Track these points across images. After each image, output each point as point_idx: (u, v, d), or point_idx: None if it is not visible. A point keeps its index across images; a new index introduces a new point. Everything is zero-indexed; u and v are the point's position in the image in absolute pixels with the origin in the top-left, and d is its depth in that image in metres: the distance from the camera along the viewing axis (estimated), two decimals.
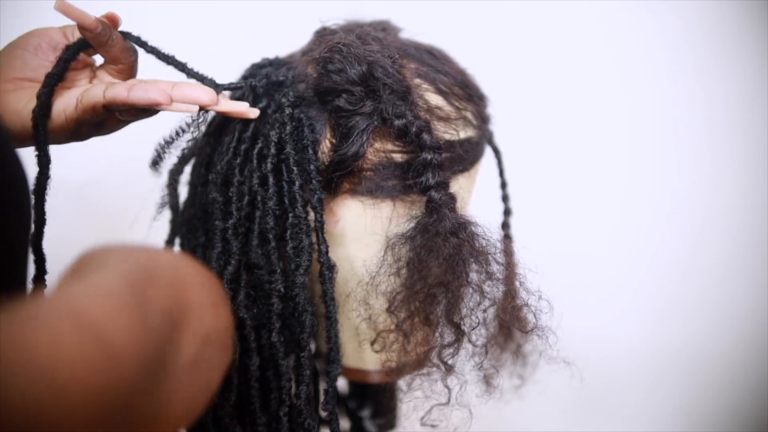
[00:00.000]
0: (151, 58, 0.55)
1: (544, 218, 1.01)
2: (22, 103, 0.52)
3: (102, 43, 0.52)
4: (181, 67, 0.55)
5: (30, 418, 0.26)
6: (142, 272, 0.35)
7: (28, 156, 0.57)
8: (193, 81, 0.55)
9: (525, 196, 0.80)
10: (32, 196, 0.51)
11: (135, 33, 0.55)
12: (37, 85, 0.52)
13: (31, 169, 0.50)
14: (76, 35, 0.53)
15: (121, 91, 0.51)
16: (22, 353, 0.27)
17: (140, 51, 0.55)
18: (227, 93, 0.56)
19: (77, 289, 0.32)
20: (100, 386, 0.28)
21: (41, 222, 0.52)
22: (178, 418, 0.38)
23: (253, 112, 0.54)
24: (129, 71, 0.56)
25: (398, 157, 0.54)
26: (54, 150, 0.53)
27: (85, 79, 0.56)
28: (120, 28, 0.54)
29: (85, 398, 0.28)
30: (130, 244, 0.39)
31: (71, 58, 0.53)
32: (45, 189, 0.53)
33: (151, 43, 0.55)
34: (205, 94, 0.52)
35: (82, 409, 0.28)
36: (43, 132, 0.52)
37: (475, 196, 0.64)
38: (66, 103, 0.52)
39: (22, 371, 0.27)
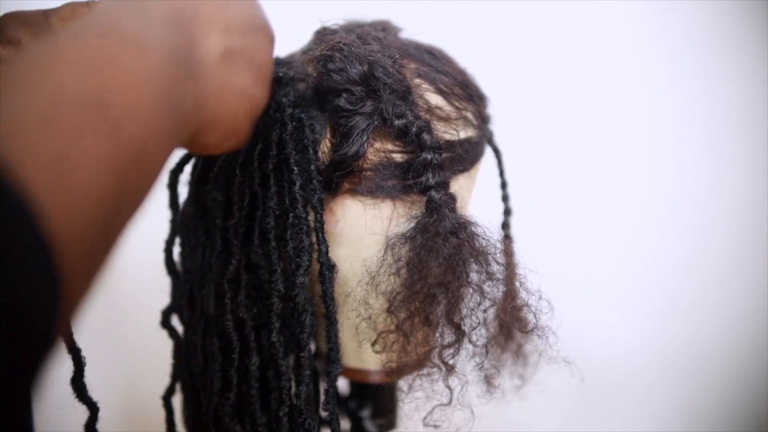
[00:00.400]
0: None
1: (544, 218, 1.01)
2: None
3: None
4: None
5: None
6: None
7: None
8: None
9: (525, 196, 0.80)
10: None
11: None
12: None
13: None
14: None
15: None
16: (64, 75, 0.27)
17: None
18: None
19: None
20: (141, 85, 0.30)
21: None
22: (238, 109, 0.41)
23: None
24: None
25: (398, 157, 0.54)
26: None
27: None
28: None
29: (129, 103, 0.29)
30: None
31: None
32: None
33: None
34: None
35: (129, 113, 0.29)
36: None
37: (475, 196, 0.64)
38: None
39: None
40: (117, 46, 0.30)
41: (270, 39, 0.46)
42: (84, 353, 0.48)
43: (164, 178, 0.63)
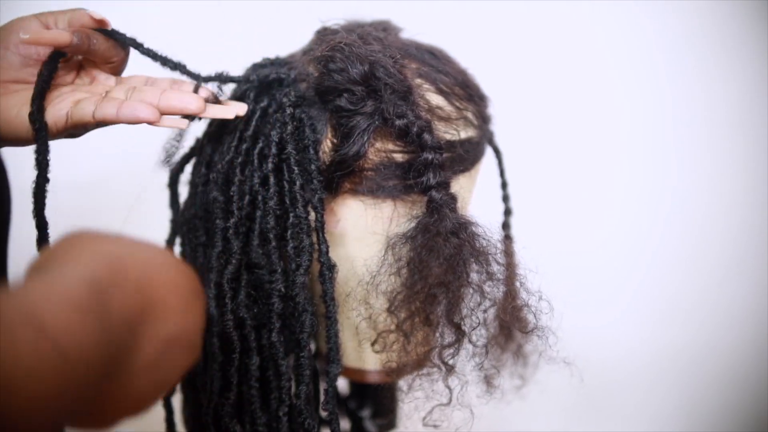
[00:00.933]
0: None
1: (544, 218, 1.01)
2: (15, 111, 0.50)
3: (84, 51, 0.51)
4: (173, 66, 0.54)
5: None
6: (108, 273, 0.35)
7: (23, 156, 0.57)
8: (185, 81, 0.55)
9: (525, 197, 0.80)
10: (33, 199, 0.51)
11: (134, 32, 0.54)
12: (26, 86, 0.51)
13: (27, 169, 0.50)
14: (60, 23, 0.51)
15: (110, 110, 0.50)
16: None
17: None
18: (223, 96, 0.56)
19: (39, 290, 0.32)
20: (54, 387, 0.30)
21: (42, 225, 0.52)
22: (128, 410, 0.39)
23: (241, 108, 0.54)
24: (119, 67, 0.55)
25: (399, 156, 0.54)
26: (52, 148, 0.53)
27: (73, 74, 0.55)
28: (120, 29, 0.54)
29: (38, 398, 0.29)
30: (105, 234, 0.39)
31: (49, 77, 0.51)
32: (45, 192, 0.51)
33: (152, 43, 0.55)
34: (193, 102, 0.52)
35: (33, 408, 0.29)
36: (44, 145, 0.50)
37: (476, 196, 0.64)
38: (56, 117, 0.51)
39: None
40: (43, 346, 0.30)
41: (192, 362, 0.42)
42: None
43: (165, 177, 0.63)
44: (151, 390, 0.39)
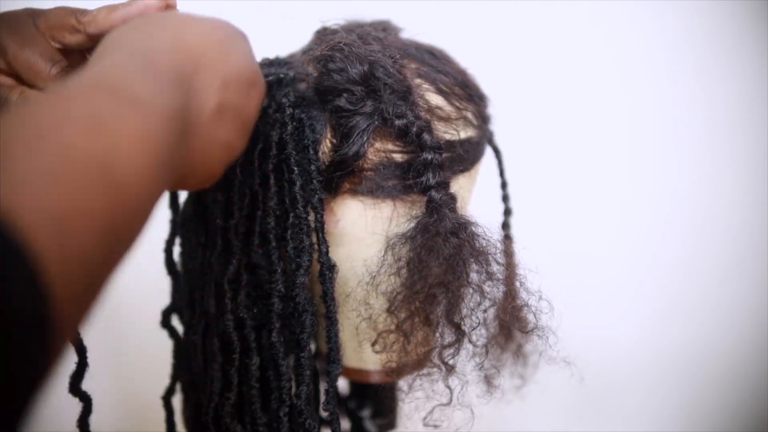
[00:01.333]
0: None
1: (544, 218, 1.01)
2: None
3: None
4: None
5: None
6: (145, 41, 0.38)
7: None
8: None
9: (525, 197, 0.80)
10: None
11: None
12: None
13: None
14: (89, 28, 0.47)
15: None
16: (67, 136, 0.28)
17: None
18: None
19: (91, 64, 0.34)
20: (144, 147, 0.31)
21: None
22: (219, 160, 0.42)
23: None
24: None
25: (399, 157, 0.54)
26: None
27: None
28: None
29: (131, 166, 0.30)
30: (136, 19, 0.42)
31: None
32: None
33: None
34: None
35: (129, 176, 0.29)
36: None
37: (476, 196, 0.64)
38: None
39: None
40: (123, 107, 0.31)
41: (261, 93, 0.47)
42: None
43: None
44: (235, 133, 0.43)
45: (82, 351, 0.48)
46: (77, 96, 0.30)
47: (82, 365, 0.48)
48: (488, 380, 0.60)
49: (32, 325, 0.24)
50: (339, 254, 0.57)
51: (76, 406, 0.49)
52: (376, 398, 0.72)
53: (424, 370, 0.56)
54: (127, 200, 0.29)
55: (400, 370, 0.57)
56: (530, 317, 0.55)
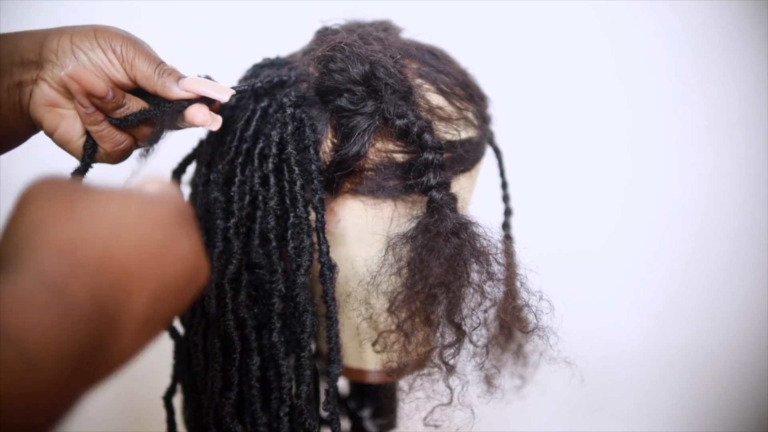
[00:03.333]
0: None
1: (544, 218, 1.01)
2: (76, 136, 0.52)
3: (109, 110, 0.51)
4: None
5: None
6: (59, 264, 0.33)
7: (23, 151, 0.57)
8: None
9: (526, 197, 0.80)
10: None
11: (135, 32, 0.54)
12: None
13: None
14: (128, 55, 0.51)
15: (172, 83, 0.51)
16: None
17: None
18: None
19: None
20: (24, 392, 0.29)
21: None
22: (138, 351, 0.38)
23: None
24: (120, 154, 0.55)
25: (399, 157, 0.54)
26: (50, 149, 0.54)
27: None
28: (120, 28, 0.53)
29: (10, 406, 0.28)
30: (57, 194, 0.36)
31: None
32: None
33: (152, 42, 0.55)
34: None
35: (7, 415, 0.28)
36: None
37: (476, 196, 0.64)
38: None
39: None
40: (9, 355, 0.29)
41: (201, 283, 0.41)
42: None
43: (165, 177, 0.63)
44: (160, 329, 0.39)
45: None
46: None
47: None
48: (489, 380, 0.60)
49: None
50: (340, 254, 0.57)
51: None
52: (377, 398, 0.72)
53: (425, 370, 0.56)
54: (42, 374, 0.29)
55: (400, 370, 0.57)
56: (531, 317, 0.55)
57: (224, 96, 0.52)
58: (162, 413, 0.65)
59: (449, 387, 0.55)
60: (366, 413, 0.73)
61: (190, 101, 0.52)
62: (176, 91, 0.51)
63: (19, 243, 0.34)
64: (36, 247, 0.34)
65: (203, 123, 0.53)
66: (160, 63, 0.52)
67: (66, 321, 0.32)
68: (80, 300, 0.33)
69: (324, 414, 0.57)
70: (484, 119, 0.61)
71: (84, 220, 0.36)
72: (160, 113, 0.51)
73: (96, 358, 0.34)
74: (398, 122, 0.52)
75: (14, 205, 0.36)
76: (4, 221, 0.35)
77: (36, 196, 0.36)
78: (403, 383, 0.58)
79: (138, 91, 0.53)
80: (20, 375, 0.29)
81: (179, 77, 0.52)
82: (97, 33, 0.51)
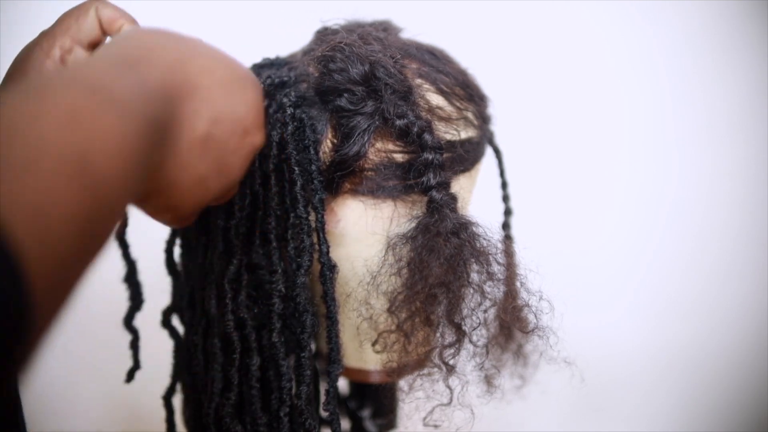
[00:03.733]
0: None
1: (545, 219, 1.01)
2: None
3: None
4: None
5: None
6: (141, 50, 0.38)
7: None
8: None
9: (526, 197, 0.80)
10: None
11: None
12: None
13: None
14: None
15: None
16: (45, 129, 0.28)
17: None
18: None
19: (75, 64, 0.36)
20: (118, 146, 0.31)
21: None
22: (189, 192, 0.41)
23: None
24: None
25: (399, 157, 0.54)
26: None
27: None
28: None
29: (106, 162, 0.30)
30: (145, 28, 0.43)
31: None
32: None
33: None
34: None
35: (105, 172, 0.30)
36: None
37: (476, 197, 0.64)
38: None
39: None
40: (103, 105, 0.31)
41: (254, 146, 0.46)
42: (84, 353, 0.48)
43: None
44: (208, 171, 0.42)
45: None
46: (55, 91, 0.30)
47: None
48: (489, 380, 0.60)
49: (14, 314, 0.24)
50: (340, 254, 0.57)
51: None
52: (377, 398, 0.72)
53: (425, 370, 0.56)
54: (102, 195, 0.30)
55: (400, 370, 0.57)
56: (531, 317, 0.55)
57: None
58: (161, 413, 0.65)
59: (449, 387, 0.55)
60: (366, 413, 0.73)
61: None
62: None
63: (104, 46, 0.39)
64: (119, 43, 0.39)
65: None
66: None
67: (135, 95, 0.34)
68: (151, 80, 0.36)
69: (324, 414, 0.57)
70: (484, 119, 0.61)
71: (168, 38, 0.41)
72: None
73: (154, 161, 0.36)
74: (398, 122, 0.52)
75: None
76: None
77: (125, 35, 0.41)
78: (403, 383, 0.58)
79: None
80: (119, 127, 0.31)
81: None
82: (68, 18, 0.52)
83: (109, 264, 0.40)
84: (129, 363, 0.64)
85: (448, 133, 0.56)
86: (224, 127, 0.42)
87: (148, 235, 0.61)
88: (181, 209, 0.43)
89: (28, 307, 0.25)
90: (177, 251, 0.63)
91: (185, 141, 0.39)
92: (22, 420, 0.46)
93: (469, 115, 0.58)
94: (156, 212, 0.44)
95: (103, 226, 0.31)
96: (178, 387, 0.65)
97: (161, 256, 0.63)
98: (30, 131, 0.27)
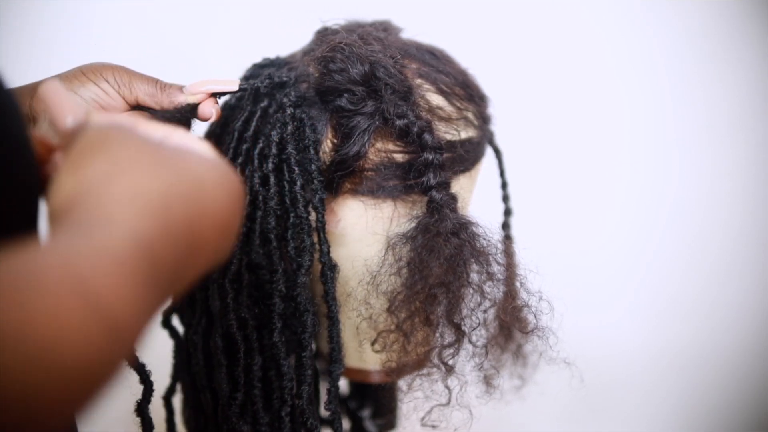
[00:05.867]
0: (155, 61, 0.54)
1: (544, 219, 1.01)
2: None
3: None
4: None
5: (28, 398, 0.24)
6: (158, 230, 0.30)
7: None
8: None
9: (526, 197, 0.80)
10: None
11: (136, 32, 0.54)
12: None
13: None
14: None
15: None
16: (21, 328, 0.24)
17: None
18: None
19: (82, 249, 0.27)
20: (102, 362, 0.26)
21: None
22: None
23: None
24: None
25: (399, 157, 0.54)
26: None
27: None
28: (120, 28, 0.53)
29: (84, 376, 0.26)
30: (133, 140, 0.34)
31: None
32: None
33: (153, 42, 0.55)
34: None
35: (79, 384, 0.26)
36: None
37: (476, 197, 0.64)
38: None
39: (22, 349, 0.24)
40: (90, 322, 0.26)
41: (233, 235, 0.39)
42: None
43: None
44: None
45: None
46: (45, 283, 0.25)
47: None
48: (488, 380, 0.60)
49: None
50: (340, 254, 0.57)
51: None
52: (376, 398, 0.72)
53: (424, 370, 0.56)
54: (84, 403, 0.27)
55: (400, 370, 0.57)
56: (530, 318, 0.55)
57: (233, 86, 0.54)
58: (161, 413, 0.65)
59: (448, 387, 0.55)
60: (366, 413, 0.73)
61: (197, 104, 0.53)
62: (182, 99, 0.52)
63: (97, 191, 0.31)
64: (128, 201, 0.30)
65: (216, 117, 0.54)
66: (157, 80, 0.53)
67: (153, 292, 0.29)
68: (168, 270, 0.30)
69: (325, 413, 0.57)
70: (484, 119, 0.61)
71: (169, 175, 0.33)
72: (174, 120, 0.52)
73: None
74: (398, 122, 0.52)
75: (77, 145, 0.33)
76: (69, 159, 0.32)
77: (104, 139, 0.33)
78: (402, 383, 0.58)
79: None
80: (107, 347, 0.26)
81: (180, 87, 0.53)
82: (84, 70, 0.51)
83: None
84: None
85: (448, 133, 0.56)
86: (210, 262, 0.36)
87: None
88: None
89: None
90: None
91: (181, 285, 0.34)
92: None
93: (469, 115, 0.58)
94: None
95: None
96: (178, 387, 0.65)
97: None
98: (16, 334, 0.23)
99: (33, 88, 0.49)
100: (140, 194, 0.31)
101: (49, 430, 0.25)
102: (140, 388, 0.52)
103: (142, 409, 0.50)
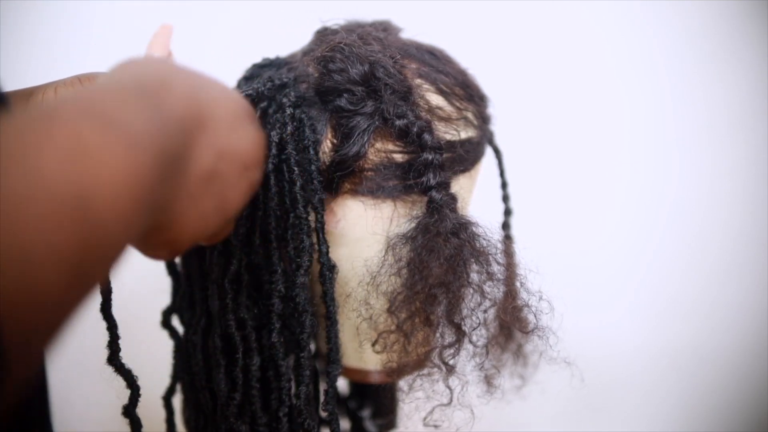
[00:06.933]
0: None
1: (545, 219, 1.01)
2: None
3: None
4: None
5: (55, 231, 0.24)
6: (155, 78, 0.36)
7: None
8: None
9: (526, 197, 0.80)
10: None
11: (135, 33, 0.54)
12: None
13: None
14: None
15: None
16: (45, 161, 0.25)
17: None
18: None
19: (90, 89, 0.32)
20: (127, 184, 0.28)
21: None
22: (190, 228, 0.40)
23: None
24: None
25: (399, 157, 0.54)
26: None
27: None
28: (121, 28, 0.53)
29: (110, 202, 0.27)
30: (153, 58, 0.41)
31: None
32: None
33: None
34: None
35: (107, 213, 0.27)
36: None
37: (476, 197, 0.64)
38: None
39: (47, 183, 0.24)
40: (112, 137, 0.28)
41: (252, 184, 0.45)
42: (84, 353, 0.48)
43: None
44: (210, 208, 0.40)
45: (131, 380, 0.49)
46: (62, 118, 0.27)
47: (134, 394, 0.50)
48: (488, 380, 0.60)
49: None
50: (339, 254, 0.57)
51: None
52: (376, 398, 0.72)
53: (425, 371, 0.56)
54: (100, 239, 0.27)
55: (400, 371, 0.57)
56: (530, 317, 0.55)
57: None
58: (161, 413, 0.65)
59: (449, 387, 0.55)
60: (366, 413, 0.73)
61: None
62: None
63: (114, 71, 0.37)
64: (132, 65, 0.37)
65: None
66: None
67: (158, 117, 0.32)
68: (168, 109, 0.34)
69: (323, 414, 0.57)
70: (483, 119, 0.61)
71: (173, 66, 0.40)
72: None
73: (162, 197, 0.34)
74: (398, 122, 0.52)
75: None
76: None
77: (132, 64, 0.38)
78: (402, 383, 0.58)
79: None
80: (128, 165, 0.28)
81: None
82: (82, 79, 0.51)
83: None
84: (128, 362, 0.63)
85: (447, 133, 0.56)
86: (228, 162, 0.41)
87: None
88: (177, 245, 0.41)
89: (2, 354, 0.22)
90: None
91: (193, 178, 0.38)
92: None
93: (469, 115, 0.58)
94: (150, 248, 0.42)
95: (96, 270, 0.28)
96: (178, 387, 0.65)
97: None
98: (26, 162, 0.24)
99: (29, 92, 0.49)
100: (143, 64, 0.38)
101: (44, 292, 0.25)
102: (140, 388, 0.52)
103: (129, 412, 0.50)
